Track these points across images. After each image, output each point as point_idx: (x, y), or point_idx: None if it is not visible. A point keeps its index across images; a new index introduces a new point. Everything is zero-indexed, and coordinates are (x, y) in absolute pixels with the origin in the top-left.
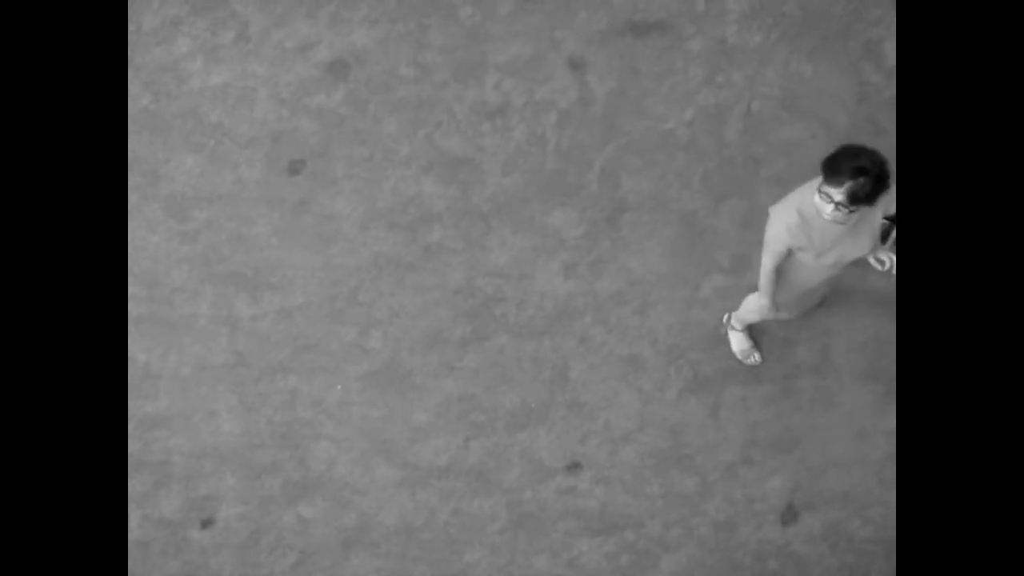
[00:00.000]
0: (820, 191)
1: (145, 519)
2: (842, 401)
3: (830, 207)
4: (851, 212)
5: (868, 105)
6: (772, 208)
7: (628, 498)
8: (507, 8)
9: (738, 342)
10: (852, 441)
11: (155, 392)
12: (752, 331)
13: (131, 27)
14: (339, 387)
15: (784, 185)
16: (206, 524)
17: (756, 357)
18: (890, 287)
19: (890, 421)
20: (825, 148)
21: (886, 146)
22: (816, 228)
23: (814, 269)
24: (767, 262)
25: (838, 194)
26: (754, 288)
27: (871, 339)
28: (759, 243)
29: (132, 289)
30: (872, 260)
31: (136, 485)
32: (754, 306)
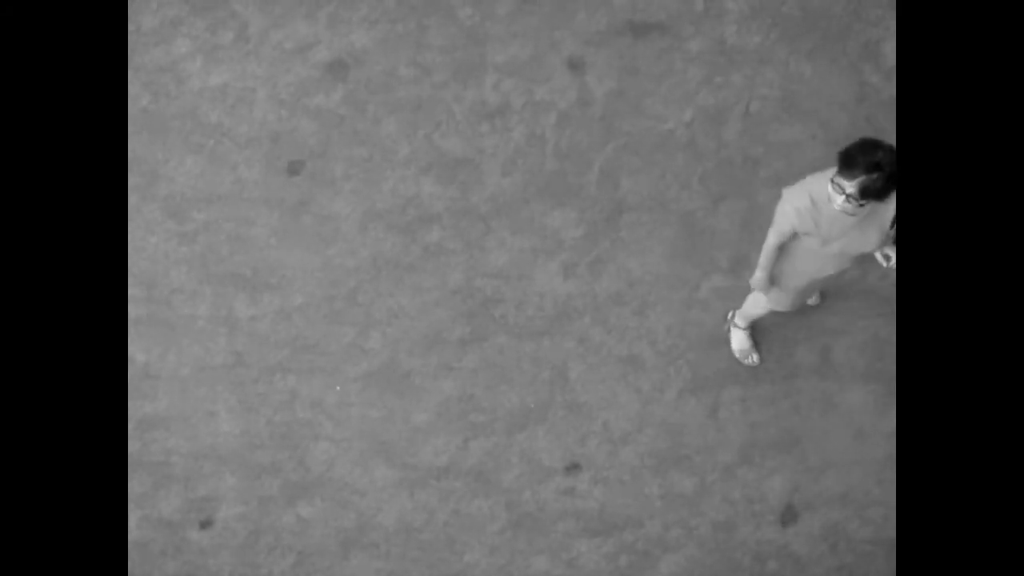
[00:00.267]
0: (833, 181)
1: (144, 520)
2: (841, 402)
3: (841, 198)
4: (861, 205)
5: (867, 105)
6: (786, 188)
7: (627, 499)
8: (506, 8)
9: (739, 341)
10: (851, 442)
11: (154, 393)
12: (753, 331)
13: (130, 27)
14: (338, 388)
15: (783, 185)
16: (205, 525)
17: (755, 358)
18: (890, 288)
19: (889, 422)
20: (824, 148)
21: None
22: (825, 215)
23: (818, 257)
24: (771, 239)
25: (850, 186)
26: None
27: (870, 340)
28: (758, 243)
29: (131, 290)
30: (879, 255)
31: (135, 486)
32: (758, 298)
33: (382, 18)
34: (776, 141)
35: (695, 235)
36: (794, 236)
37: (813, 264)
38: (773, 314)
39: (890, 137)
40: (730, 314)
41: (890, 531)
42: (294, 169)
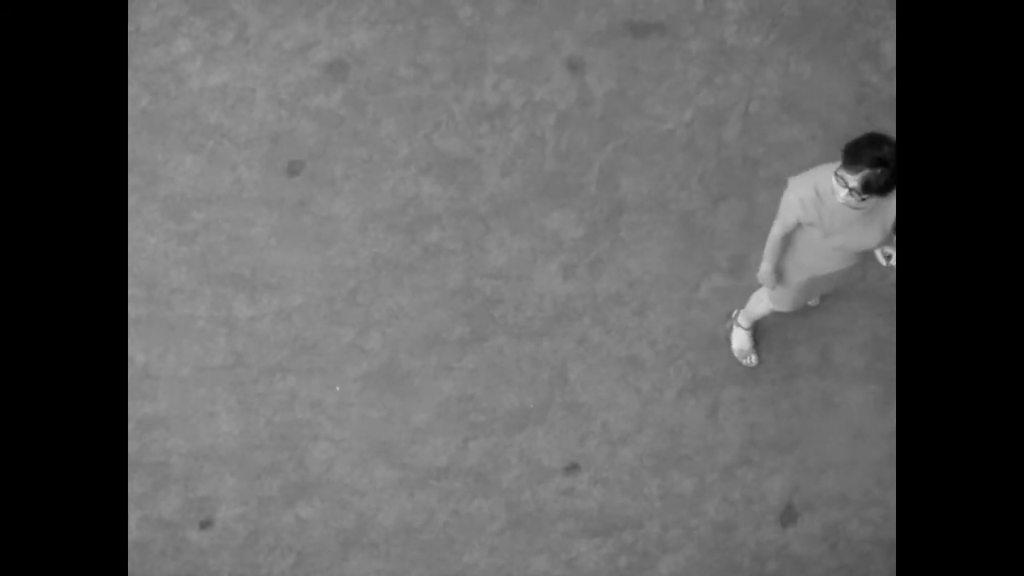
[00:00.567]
0: (836, 174)
1: (144, 520)
2: (841, 402)
3: (844, 191)
4: (863, 200)
5: (867, 106)
6: (792, 178)
7: (627, 499)
8: (506, 9)
9: (740, 340)
10: (851, 442)
11: (154, 393)
12: (754, 332)
13: (130, 28)
14: (338, 388)
15: (783, 186)
16: (205, 525)
17: (753, 359)
18: (889, 288)
19: (889, 422)
20: (824, 149)
21: None
22: (828, 207)
23: (820, 250)
24: (775, 229)
25: (853, 180)
26: (758, 287)
27: (870, 340)
28: (758, 243)
29: (131, 290)
30: (878, 253)
31: (135, 486)
32: (761, 297)
33: (382, 18)
34: (776, 141)
35: (695, 235)
36: (798, 227)
37: (815, 258)
38: (774, 314)
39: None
40: (734, 312)
41: (890, 531)
42: (294, 169)
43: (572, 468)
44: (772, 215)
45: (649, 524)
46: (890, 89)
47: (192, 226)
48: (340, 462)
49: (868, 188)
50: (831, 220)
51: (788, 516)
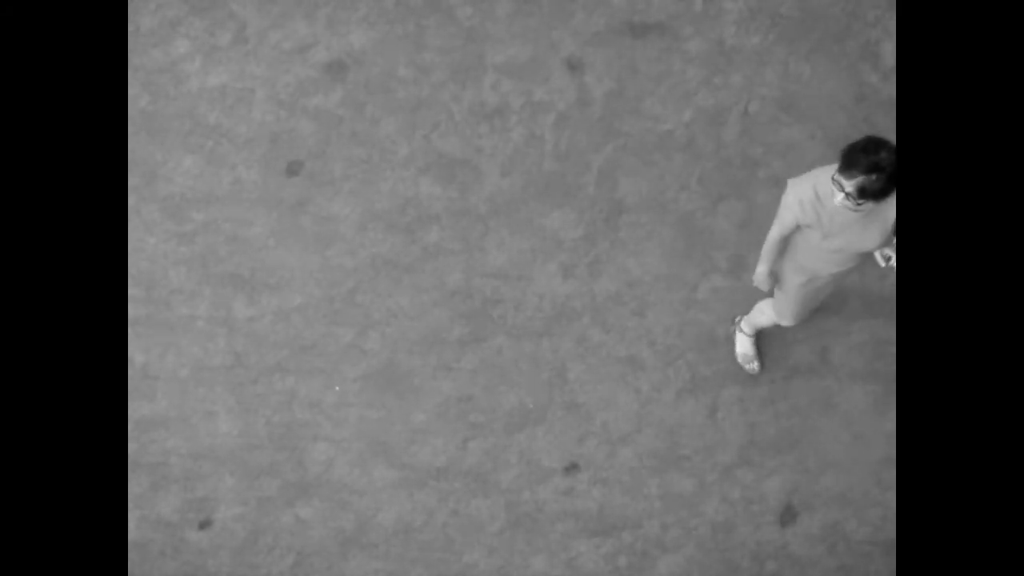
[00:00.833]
0: (833, 178)
1: (143, 520)
2: (840, 402)
3: (840, 195)
4: (859, 204)
5: (866, 106)
6: (791, 180)
7: (626, 499)
8: (505, 9)
9: (743, 346)
10: (850, 442)
11: (153, 393)
12: (756, 339)
13: (129, 28)
14: (337, 388)
15: (782, 186)
16: (204, 525)
17: (755, 366)
18: (888, 288)
19: (888, 422)
20: (823, 149)
21: None
22: (827, 209)
23: (819, 252)
24: (774, 231)
25: (849, 185)
26: (762, 294)
27: (869, 340)
28: (757, 244)
29: (130, 290)
30: (877, 255)
31: (134, 486)
32: (764, 307)
33: (381, 19)
34: (775, 142)
35: (694, 235)
36: (796, 229)
37: (814, 260)
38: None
39: (889, 137)
40: (737, 318)
41: (889, 531)
42: (293, 170)
43: (571, 468)
44: (771, 215)
45: (648, 524)
46: (889, 89)
47: (191, 226)
48: (339, 462)
49: (864, 193)
50: (830, 222)
51: (787, 516)
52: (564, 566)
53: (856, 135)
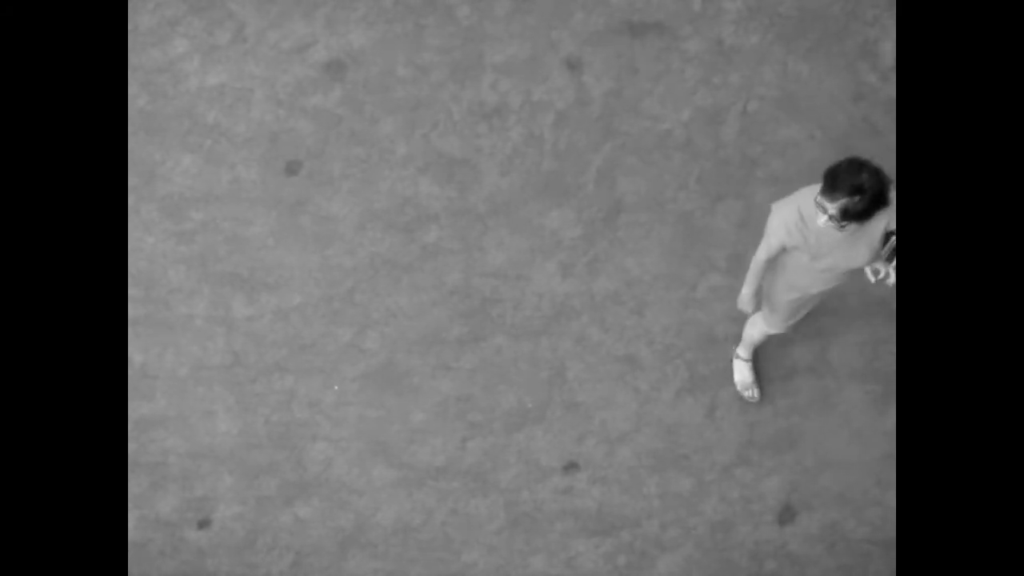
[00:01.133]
0: (816, 200)
1: (142, 520)
2: (839, 401)
3: (823, 217)
4: (842, 226)
5: (865, 105)
6: (775, 203)
7: (625, 498)
8: (504, 9)
9: (741, 372)
10: (849, 441)
11: (152, 393)
12: (754, 364)
13: (128, 27)
14: (336, 387)
15: (781, 185)
16: (203, 525)
17: (755, 393)
18: (887, 288)
19: (886, 421)
20: (822, 148)
21: (883, 146)
22: (813, 231)
23: (809, 272)
24: (760, 254)
25: (831, 207)
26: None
27: (868, 340)
28: (756, 243)
29: (129, 290)
30: (867, 270)
31: (133, 486)
32: (755, 321)
33: (380, 18)
34: (774, 141)
35: (693, 235)
36: (784, 251)
37: (804, 279)
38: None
39: (888, 137)
40: (734, 350)
41: (888, 531)
42: (292, 169)
43: (570, 467)
44: (771, 215)
45: (647, 523)
46: (888, 88)
47: (190, 226)
48: (338, 462)
49: (847, 215)
50: (817, 243)
51: (786, 515)
52: (563, 565)
53: (855, 134)
